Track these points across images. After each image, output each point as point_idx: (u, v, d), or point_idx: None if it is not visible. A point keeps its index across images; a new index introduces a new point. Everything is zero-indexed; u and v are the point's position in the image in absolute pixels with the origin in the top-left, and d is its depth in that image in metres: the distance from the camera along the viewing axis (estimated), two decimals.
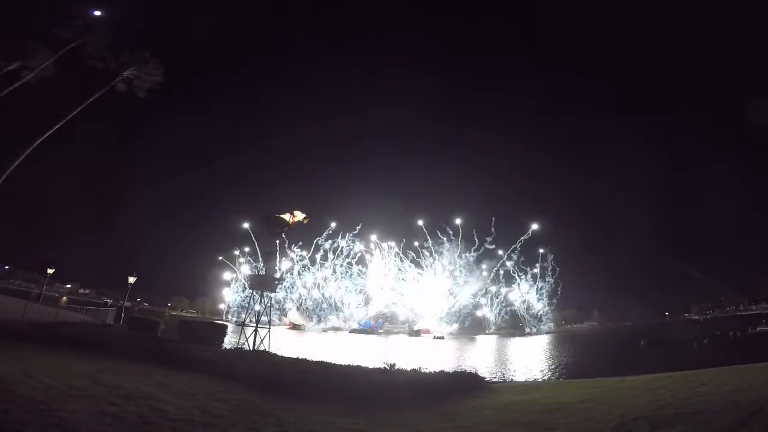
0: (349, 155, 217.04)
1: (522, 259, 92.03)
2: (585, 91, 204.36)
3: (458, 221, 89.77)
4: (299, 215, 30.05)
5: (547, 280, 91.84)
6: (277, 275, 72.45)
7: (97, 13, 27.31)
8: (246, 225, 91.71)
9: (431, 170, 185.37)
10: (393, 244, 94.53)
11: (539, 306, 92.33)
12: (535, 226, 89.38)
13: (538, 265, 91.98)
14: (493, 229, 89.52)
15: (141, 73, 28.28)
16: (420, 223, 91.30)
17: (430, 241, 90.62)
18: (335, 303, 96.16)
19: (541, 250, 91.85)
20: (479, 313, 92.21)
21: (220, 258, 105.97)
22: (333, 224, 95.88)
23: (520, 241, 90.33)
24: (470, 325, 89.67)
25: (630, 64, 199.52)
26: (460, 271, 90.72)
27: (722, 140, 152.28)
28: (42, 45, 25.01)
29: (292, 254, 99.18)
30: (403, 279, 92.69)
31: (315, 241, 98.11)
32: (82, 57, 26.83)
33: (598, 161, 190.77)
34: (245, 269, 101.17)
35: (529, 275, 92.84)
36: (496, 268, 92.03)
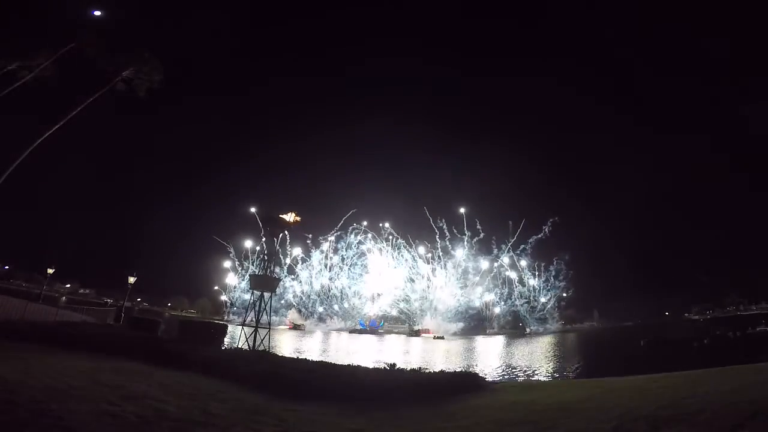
0: (359, 157, 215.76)
1: (538, 263, 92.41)
2: (583, 89, 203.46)
3: (462, 213, 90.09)
4: (292, 215, 30.19)
5: (559, 281, 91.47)
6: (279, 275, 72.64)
7: (97, 13, 27.33)
8: (250, 224, 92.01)
9: (441, 172, 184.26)
10: (398, 238, 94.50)
11: (547, 305, 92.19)
12: (539, 228, 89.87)
13: (552, 268, 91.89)
14: (511, 239, 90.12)
15: (140, 72, 28.29)
16: (434, 222, 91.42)
17: (448, 237, 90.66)
18: (338, 302, 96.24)
19: (556, 259, 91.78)
20: (483, 313, 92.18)
21: (215, 239, 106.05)
22: (364, 223, 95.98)
23: (531, 242, 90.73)
24: (475, 326, 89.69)
25: (627, 62, 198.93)
26: (469, 271, 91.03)
27: (722, 139, 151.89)
28: (42, 45, 25.01)
29: (295, 252, 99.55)
30: (412, 279, 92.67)
31: (325, 238, 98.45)
32: (82, 57, 26.85)
33: (597, 161, 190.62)
34: (246, 269, 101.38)
35: (536, 276, 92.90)
36: (504, 270, 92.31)
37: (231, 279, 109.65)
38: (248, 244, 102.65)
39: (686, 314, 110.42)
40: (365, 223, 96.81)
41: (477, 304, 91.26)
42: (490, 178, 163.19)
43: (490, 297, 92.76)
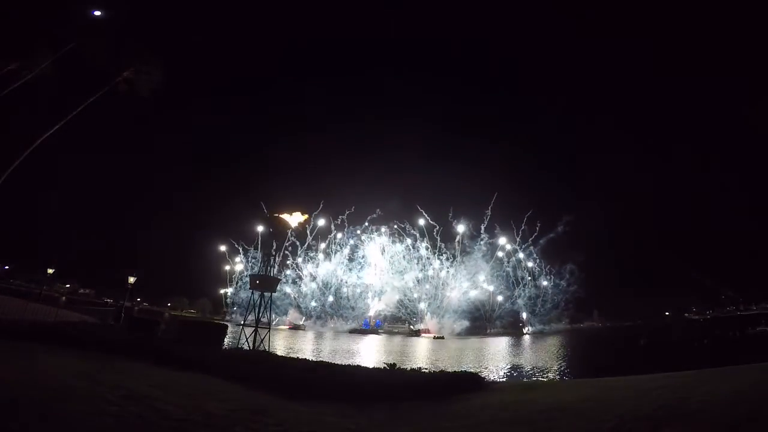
0: (365, 153, 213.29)
1: (543, 262, 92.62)
2: (583, 90, 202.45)
3: (461, 223, 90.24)
4: (300, 216, 30.15)
5: (571, 284, 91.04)
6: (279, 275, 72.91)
7: (97, 13, 27.32)
8: (253, 223, 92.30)
9: (442, 169, 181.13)
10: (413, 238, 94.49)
11: (555, 308, 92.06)
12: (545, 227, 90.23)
13: (564, 270, 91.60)
14: (527, 241, 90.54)
15: (142, 73, 28.29)
16: (451, 221, 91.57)
17: (465, 234, 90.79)
18: (342, 302, 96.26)
19: (569, 264, 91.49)
20: (487, 313, 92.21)
21: (223, 247, 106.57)
22: (383, 228, 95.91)
23: (541, 243, 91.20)
24: (478, 326, 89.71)
25: (628, 61, 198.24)
26: (479, 271, 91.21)
27: (721, 139, 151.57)
28: (42, 45, 25.01)
29: (298, 255, 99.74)
30: (419, 279, 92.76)
31: (329, 236, 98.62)
32: (82, 57, 26.85)
33: (597, 160, 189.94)
34: (246, 268, 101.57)
35: (548, 276, 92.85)
36: (513, 269, 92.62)
37: (232, 279, 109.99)
38: (250, 244, 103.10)
39: (686, 314, 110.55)
40: (384, 228, 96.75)
41: (482, 304, 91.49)
42: (505, 176, 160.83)
43: (495, 297, 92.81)
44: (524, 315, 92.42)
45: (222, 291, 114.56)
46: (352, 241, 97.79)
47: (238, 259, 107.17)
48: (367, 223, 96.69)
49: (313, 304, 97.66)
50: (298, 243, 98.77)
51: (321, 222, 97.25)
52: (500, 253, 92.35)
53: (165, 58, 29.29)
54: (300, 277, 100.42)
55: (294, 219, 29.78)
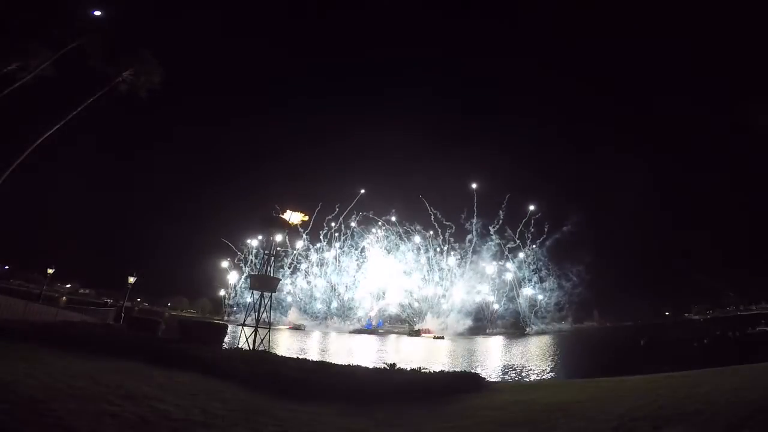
0: (371, 150, 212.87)
1: (546, 261, 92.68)
2: (585, 92, 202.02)
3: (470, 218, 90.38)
4: (299, 215, 30.19)
5: (575, 285, 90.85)
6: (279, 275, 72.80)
7: (97, 13, 27.31)
8: (253, 223, 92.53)
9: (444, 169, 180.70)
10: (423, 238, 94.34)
11: (561, 307, 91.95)
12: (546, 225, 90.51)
13: (571, 274, 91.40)
14: (534, 244, 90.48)
15: (141, 73, 28.28)
16: (464, 221, 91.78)
17: (474, 234, 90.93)
18: (342, 302, 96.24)
19: (576, 268, 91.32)
20: (489, 313, 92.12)
21: (216, 238, 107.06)
22: (382, 225, 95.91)
23: (546, 244, 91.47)
24: (479, 326, 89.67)
25: (628, 59, 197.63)
26: (484, 271, 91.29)
27: (722, 140, 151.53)
28: (42, 45, 25.00)
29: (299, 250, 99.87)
30: (425, 278, 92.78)
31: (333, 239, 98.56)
32: (82, 57, 26.85)
33: (597, 160, 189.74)
34: (247, 269, 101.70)
35: (555, 275, 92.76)
36: (516, 269, 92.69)
37: (233, 278, 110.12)
38: (253, 243, 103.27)
39: (686, 314, 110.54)
40: (384, 227, 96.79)
41: (488, 304, 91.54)
42: (515, 177, 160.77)
43: (498, 297, 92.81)
44: (526, 315, 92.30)
45: (222, 291, 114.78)
46: (360, 243, 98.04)
47: (239, 255, 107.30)
48: (376, 219, 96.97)
49: (318, 305, 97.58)
50: (309, 245, 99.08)
51: (328, 222, 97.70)
52: (506, 253, 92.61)
53: (165, 57, 29.19)
54: (306, 276, 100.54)
55: (295, 217, 29.82)
